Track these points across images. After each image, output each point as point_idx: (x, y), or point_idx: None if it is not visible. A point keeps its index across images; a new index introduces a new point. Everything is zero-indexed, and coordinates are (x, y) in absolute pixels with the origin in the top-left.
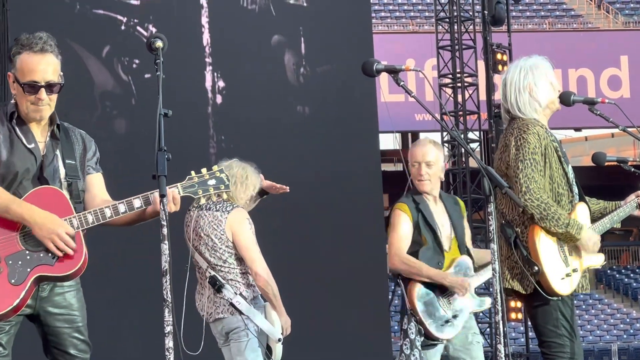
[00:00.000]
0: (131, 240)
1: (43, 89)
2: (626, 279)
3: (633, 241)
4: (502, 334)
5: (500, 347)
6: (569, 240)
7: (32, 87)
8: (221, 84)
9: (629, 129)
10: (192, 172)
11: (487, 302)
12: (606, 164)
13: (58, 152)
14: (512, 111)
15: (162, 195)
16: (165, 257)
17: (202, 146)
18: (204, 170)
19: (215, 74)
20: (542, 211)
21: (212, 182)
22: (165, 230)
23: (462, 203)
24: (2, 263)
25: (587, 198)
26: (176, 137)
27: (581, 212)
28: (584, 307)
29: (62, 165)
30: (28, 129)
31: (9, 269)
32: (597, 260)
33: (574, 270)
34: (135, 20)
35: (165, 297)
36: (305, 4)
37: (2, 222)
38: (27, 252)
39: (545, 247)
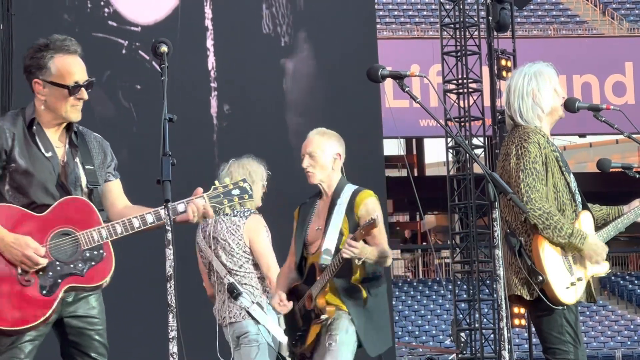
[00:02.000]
0: (135, 245)
1: (83, 89)
2: (630, 285)
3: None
4: (506, 340)
5: (505, 353)
6: (573, 250)
7: (78, 88)
8: (226, 107)
9: (634, 136)
10: (216, 182)
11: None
12: (611, 170)
13: (77, 159)
14: (514, 118)
15: (167, 200)
16: (170, 262)
17: (207, 170)
18: (227, 180)
19: (220, 99)
20: (545, 221)
21: (236, 192)
22: (170, 236)
23: (361, 196)
24: (32, 274)
25: (589, 205)
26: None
27: (585, 221)
28: (588, 313)
29: (82, 172)
30: (45, 135)
31: (40, 280)
32: (602, 269)
33: (579, 279)
34: (137, 44)
35: (169, 302)
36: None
37: (32, 232)
38: (57, 262)
39: (550, 256)
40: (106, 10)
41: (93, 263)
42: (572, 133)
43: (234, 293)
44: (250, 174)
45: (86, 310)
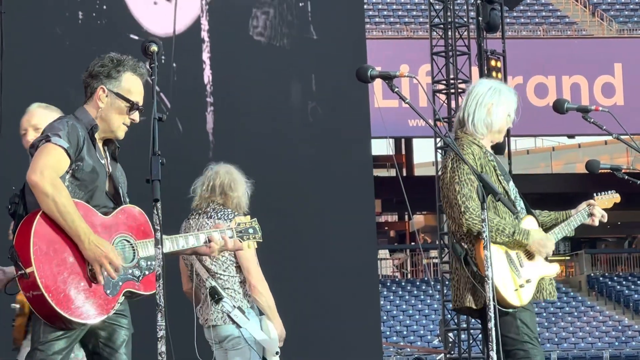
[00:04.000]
0: None
1: (138, 112)
2: (619, 287)
3: (626, 249)
4: (494, 341)
5: (493, 354)
6: (519, 248)
7: (135, 109)
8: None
9: (622, 137)
10: (237, 219)
11: None
12: (600, 171)
13: (115, 174)
14: (464, 121)
15: (156, 200)
16: (159, 262)
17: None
18: (243, 219)
19: (217, 114)
20: (484, 226)
21: (251, 230)
22: (158, 235)
23: None
24: (99, 274)
25: (537, 211)
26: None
27: (528, 225)
28: (576, 314)
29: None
30: (98, 144)
31: (105, 279)
32: (551, 270)
33: (528, 281)
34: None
35: (158, 301)
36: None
37: (100, 231)
38: (121, 266)
39: (494, 261)
40: (98, 22)
41: (147, 272)
42: (561, 134)
43: (215, 297)
44: (234, 179)
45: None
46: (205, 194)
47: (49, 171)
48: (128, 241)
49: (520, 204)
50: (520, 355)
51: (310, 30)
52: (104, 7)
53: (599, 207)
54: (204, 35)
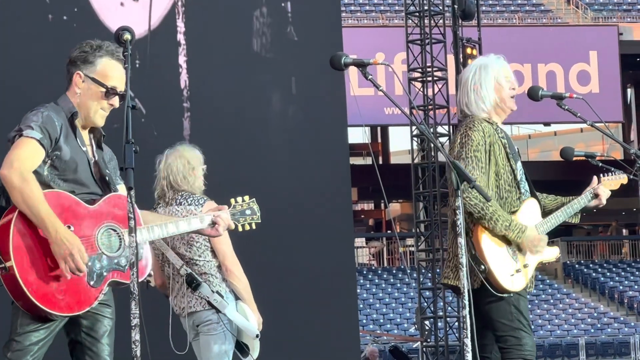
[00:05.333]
0: None
1: (117, 98)
2: (594, 274)
3: (603, 236)
4: (468, 328)
5: (467, 341)
6: (512, 241)
7: (113, 94)
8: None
9: (597, 124)
10: (232, 200)
11: None
12: (574, 158)
13: (103, 160)
14: (462, 109)
15: (130, 188)
16: (132, 250)
17: None
18: (239, 200)
19: (193, 120)
20: (480, 210)
21: (248, 212)
22: (132, 223)
23: None
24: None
25: (543, 195)
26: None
27: (529, 208)
28: (552, 301)
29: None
30: (79, 131)
31: (88, 270)
32: (551, 254)
33: (525, 266)
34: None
35: (132, 289)
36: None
37: (84, 221)
38: (105, 255)
39: (491, 244)
40: (68, 25)
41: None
42: (536, 122)
43: (193, 284)
44: (189, 161)
45: (105, 298)
46: (165, 183)
47: (18, 163)
48: (114, 230)
49: (525, 186)
50: (512, 342)
51: (287, 17)
52: (75, 9)
53: (605, 187)
54: (180, 38)
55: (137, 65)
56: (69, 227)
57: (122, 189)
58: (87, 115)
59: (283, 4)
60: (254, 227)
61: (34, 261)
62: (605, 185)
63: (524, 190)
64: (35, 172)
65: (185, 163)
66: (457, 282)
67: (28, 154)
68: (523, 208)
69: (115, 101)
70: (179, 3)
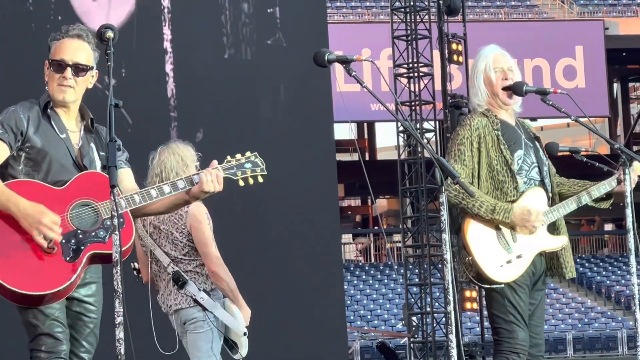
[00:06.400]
0: None
1: (69, 69)
2: (581, 268)
3: (586, 231)
4: (453, 324)
5: (452, 337)
6: (505, 226)
7: (59, 66)
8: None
9: (581, 119)
10: (228, 156)
11: None
12: (559, 154)
13: (93, 145)
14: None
15: (113, 186)
16: (116, 248)
17: None
18: (239, 155)
19: (180, 129)
20: (461, 200)
21: (248, 165)
22: (115, 221)
23: None
24: (56, 242)
25: (568, 180)
26: None
27: (532, 197)
28: None
29: (97, 157)
30: (59, 119)
31: (63, 247)
32: (555, 243)
33: (519, 257)
34: None
35: (115, 287)
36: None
37: (53, 203)
38: (79, 231)
39: (477, 235)
40: (57, 17)
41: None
42: (523, 117)
43: (179, 282)
44: (182, 158)
45: (85, 296)
46: (157, 180)
47: None
48: (88, 205)
49: (528, 174)
50: (503, 334)
51: (274, 15)
52: (59, 17)
53: (637, 172)
54: (167, 45)
55: (123, 75)
56: None
57: (125, 172)
58: (51, 94)
59: (270, 10)
60: (260, 180)
61: (3, 247)
62: (638, 170)
63: (527, 178)
64: (11, 168)
65: (179, 160)
66: (460, 277)
67: None
68: (523, 198)
69: (67, 73)
70: (165, 10)
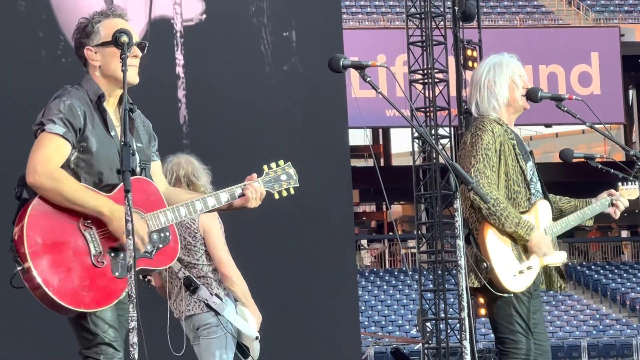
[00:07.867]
0: None
1: (137, 48)
2: (596, 275)
3: (601, 237)
4: (467, 330)
5: (466, 343)
6: (519, 240)
7: (129, 45)
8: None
9: (596, 126)
10: (265, 167)
11: None
12: (574, 160)
13: (133, 137)
14: (471, 108)
15: (127, 191)
16: (130, 252)
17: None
18: (273, 165)
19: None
20: (491, 207)
21: (284, 177)
22: (130, 226)
23: None
24: (105, 256)
25: (557, 197)
26: None
27: (541, 210)
28: (553, 302)
29: (135, 149)
30: (108, 114)
31: (112, 261)
32: (558, 259)
33: (529, 268)
34: None
35: (130, 292)
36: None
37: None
38: (146, 235)
39: (496, 244)
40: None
41: (160, 246)
42: (538, 123)
43: (191, 287)
44: (196, 171)
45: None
46: (170, 177)
47: (43, 166)
48: (138, 214)
49: (536, 186)
50: (508, 344)
51: (287, 21)
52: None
53: (624, 197)
54: (179, 70)
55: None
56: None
57: (156, 165)
58: (117, 78)
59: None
60: (292, 192)
61: (52, 260)
62: (624, 195)
63: (535, 190)
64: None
65: (194, 169)
66: (471, 283)
67: (51, 152)
68: (533, 209)
69: (136, 50)
70: (178, 34)
